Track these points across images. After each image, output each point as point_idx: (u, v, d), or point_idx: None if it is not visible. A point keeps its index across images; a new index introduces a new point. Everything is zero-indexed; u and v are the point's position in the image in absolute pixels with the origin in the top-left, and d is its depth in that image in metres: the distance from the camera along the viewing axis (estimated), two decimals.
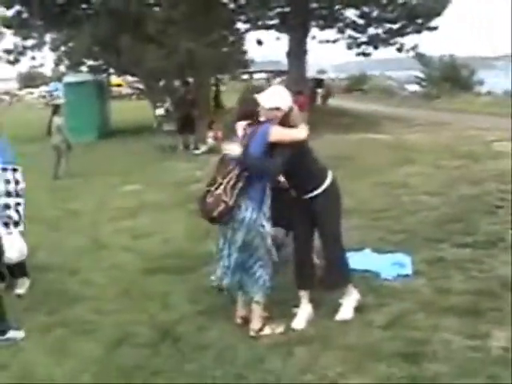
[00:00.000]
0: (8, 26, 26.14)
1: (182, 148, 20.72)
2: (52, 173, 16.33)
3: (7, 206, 6.37)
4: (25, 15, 25.62)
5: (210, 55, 18.91)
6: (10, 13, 25.69)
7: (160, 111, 22.66)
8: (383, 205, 9.85)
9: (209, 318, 6.13)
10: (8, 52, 26.30)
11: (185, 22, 18.46)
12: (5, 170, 6.46)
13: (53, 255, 8.69)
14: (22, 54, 26.42)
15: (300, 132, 5.57)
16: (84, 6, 25.00)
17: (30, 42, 26.39)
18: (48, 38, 27.15)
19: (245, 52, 32.38)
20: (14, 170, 6.59)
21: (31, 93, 77.44)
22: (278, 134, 5.43)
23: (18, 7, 25.25)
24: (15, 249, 6.81)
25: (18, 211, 6.46)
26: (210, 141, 20.39)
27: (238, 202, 5.37)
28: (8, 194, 6.40)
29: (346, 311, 5.95)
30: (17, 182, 6.53)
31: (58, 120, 16.70)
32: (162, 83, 23.50)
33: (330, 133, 19.59)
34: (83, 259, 8.47)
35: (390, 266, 7.03)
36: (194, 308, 6.42)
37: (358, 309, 6.02)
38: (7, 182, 6.43)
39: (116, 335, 5.92)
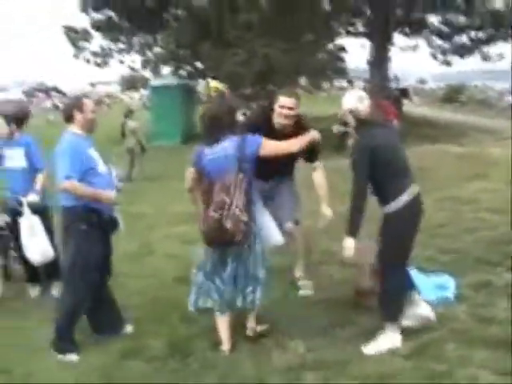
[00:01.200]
0: (97, 29, 26.58)
1: None
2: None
3: None
4: (114, 18, 26.01)
5: (287, 61, 18.56)
6: (99, 16, 26.05)
7: (241, 118, 22.49)
8: (442, 220, 9.29)
9: None
10: (95, 55, 26.74)
11: (264, 26, 18.21)
12: None
13: None
14: (109, 56, 26.77)
15: (291, 145, 5.65)
16: (171, 10, 25.10)
17: (117, 46, 26.71)
18: (136, 41, 27.49)
19: (339, 58, 31.60)
20: None
21: (131, 96, 79.00)
22: (269, 148, 5.38)
23: (106, 10, 25.63)
24: (38, 252, 6.91)
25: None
26: None
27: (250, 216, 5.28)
28: None
29: (374, 348, 5.39)
30: None
31: (132, 123, 16.85)
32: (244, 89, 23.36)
33: (413, 143, 18.94)
34: (127, 264, 8.33)
35: (432, 288, 6.52)
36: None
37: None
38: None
39: (127, 346, 5.79)
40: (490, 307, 6.05)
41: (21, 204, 7.02)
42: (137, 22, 25.65)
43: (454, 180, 12.21)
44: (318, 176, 6.54)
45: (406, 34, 26.36)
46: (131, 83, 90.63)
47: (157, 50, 26.24)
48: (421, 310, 5.66)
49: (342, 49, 28.03)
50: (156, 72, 27.87)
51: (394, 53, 24.28)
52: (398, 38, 27.63)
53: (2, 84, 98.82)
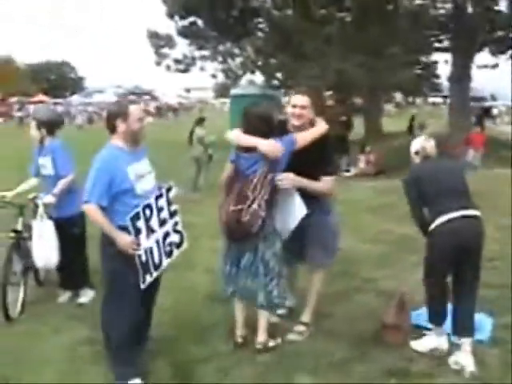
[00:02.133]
0: (184, 36, 26.73)
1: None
2: (191, 184, 16.27)
3: (167, 235, 5.38)
4: (199, 25, 26.12)
5: (360, 75, 18.13)
6: (184, 22, 26.20)
7: None
8: (497, 253, 8.65)
9: (237, 359, 5.56)
10: (178, 62, 26.91)
11: (342, 40, 17.87)
12: (159, 197, 5.31)
13: None
14: (191, 65, 26.91)
15: (319, 127, 5.68)
16: (255, 19, 25.04)
17: (198, 53, 26.84)
18: (221, 49, 27.53)
19: (434, 75, 30.70)
20: (168, 190, 5.43)
21: (224, 102, 79.71)
22: (302, 139, 5.51)
23: (192, 17, 25.75)
24: (41, 256, 6.88)
25: (177, 231, 5.52)
26: (362, 165, 19.78)
27: (270, 213, 5.41)
28: (163, 223, 5.33)
29: (422, 344, 5.70)
30: (169, 204, 5.43)
31: (200, 131, 16.70)
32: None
33: (489, 166, 18.23)
34: (165, 277, 8.07)
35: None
36: (229, 346, 5.84)
37: (404, 375, 5.18)
38: (160, 210, 5.29)
39: None
40: None
41: (37, 206, 6.96)
42: (222, 30, 25.67)
43: None
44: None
45: (491, 52, 25.35)
46: (225, 90, 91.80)
47: (238, 59, 26.20)
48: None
49: (435, 63, 27.37)
50: (236, 81, 27.83)
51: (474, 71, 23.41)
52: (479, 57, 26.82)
53: (101, 86, 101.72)
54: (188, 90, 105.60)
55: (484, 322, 6.13)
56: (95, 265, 7.62)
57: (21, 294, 7.08)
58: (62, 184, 6.92)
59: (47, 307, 7.10)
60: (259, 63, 24.63)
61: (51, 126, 7.13)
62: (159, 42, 26.42)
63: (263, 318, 5.69)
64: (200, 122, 17.18)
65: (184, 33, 26.37)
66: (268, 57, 23.50)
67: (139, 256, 4.95)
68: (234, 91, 28.17)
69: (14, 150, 21.73)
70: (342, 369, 5.33)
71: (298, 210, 5.61)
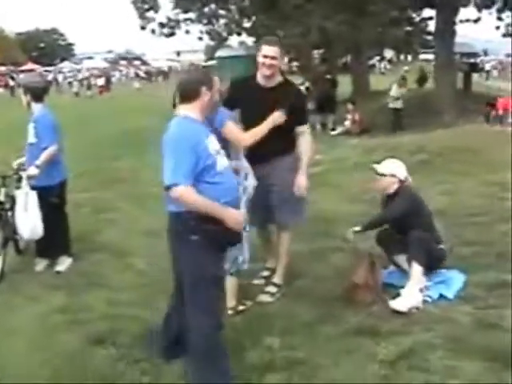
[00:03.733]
0: None
1: (320, 128, 20.14)
2: None
3: None
4: None
5: (343, 33, 17.95)
6: None
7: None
8: (478, 208, 8.64)
9: None
10: (162, 25, 26.62)
11: None
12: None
13: None
14: (176, 27, 26.61)
15: (246, 138, 5.41)
16: None
17: (183, 16, 26.54)
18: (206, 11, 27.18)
19: (424, 31, 30.16)
20: None
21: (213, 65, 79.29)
22: (229, 130, 5.24)
23: None
24: (27, 227, 6.86)
25: None
26: (347, 123, 19.72)
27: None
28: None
29: (402, 303, 5.65)
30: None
31: None
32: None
33: (472, 122, 18.13)
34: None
35: (436, 284, 6.03)
36: None
37: (372, 333, 5.16)
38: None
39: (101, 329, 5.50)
40: (496, 311, 5.46)
41: (20, 178, 6.99)
42: None
43: (505, 163, 11.36)
44: (305, 141, 6.07)
45: (477, 7, 25.00)
46: (215, 52, 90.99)
47: (223, 21, 25.90)
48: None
49: (427, 19, 27.05)
50: (222, 43, 27.56)
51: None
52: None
53: (91, 52, 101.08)
54: (178, 53, 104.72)
55: (455, 279, 6.12)
56: (76, 233, 7.76)
57: (0, 263, 7.09)
58: (44, 155, 6.87)
59: (25, 276, 7.08)
60: (244, 24, 24.43)
61: (36, 91, 7.08)
62: (143, 5, 26.12)
63: (230, 284, 5.60)
64: None
65: None
66: (251, 17, 23.30)
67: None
68: (218, 53, 28.01)
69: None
70: (310, 329, 5.31)
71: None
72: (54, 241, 7.24)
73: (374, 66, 51.91)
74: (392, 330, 5.20)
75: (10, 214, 7.24)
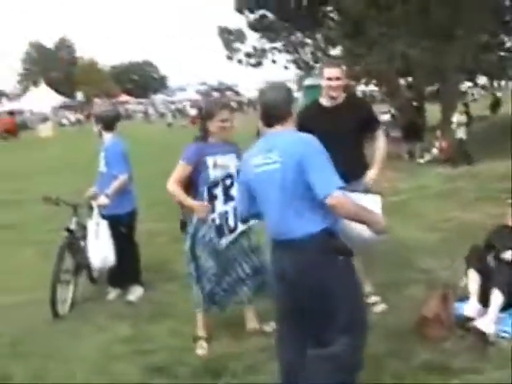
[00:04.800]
0: (254, 29, 26.60)
1: (407, 156, 19.79)
2: None
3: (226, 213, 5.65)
4: (269, 18, 25.94)
5: (426, 60, 17.60)
6: (254, 16, 26.06)
7: (386, 117, 21.87)
8: None
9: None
10: (249, 55, 26.83)
11: (404, 24, 17.41)
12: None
13: None
14: (263, 57, 26.79)
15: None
16: (323, 8, 24.71)
17: (268, 45, 26.67)
18: (292, 40, 27.26)
19: None
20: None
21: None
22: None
23: (262, 11, 25.60)
24: (98, 256, 6.94)
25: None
26: (435, 151, 19.28)
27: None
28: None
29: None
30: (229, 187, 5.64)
31: None
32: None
33: None
34: None
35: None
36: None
37: (443, 370, 4.88)
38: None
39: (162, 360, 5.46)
40: None
41: (91, 207, 7.06)
42: (292, 21, 25.44)
43: None
44: (379, 142, 6.17)
45: None
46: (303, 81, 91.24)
47: (309, 49, 25.94)
48: None
49: None
50: (309, 71, 27.60)
51: None
52: None
53: (184, 83, 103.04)
54: None
55: None
56: (146, 263, 7.78)
57: (70, 292, 7.16)
58: (115, 185, 6.96)
59: (95, 305, 7.13)
60: (330, 52, 24.40)
61: (107, 120, 7.21)
62: (229, 36, 26.45)
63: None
64: None
65: (254, 26, 26.28)
66: (336, 45, 23.25)
67: (213, 219, 5.51)
68: (306, 82, 27.98)
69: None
70: (377, 363, 5.03)
71: None
72: (125, 270, 7.28)
73: (465, 92, 50.75)
74: (464, 368, 4.90)
75: (82, 242, 7.31)
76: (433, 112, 23.94)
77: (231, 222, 5.66)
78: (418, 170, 16.29)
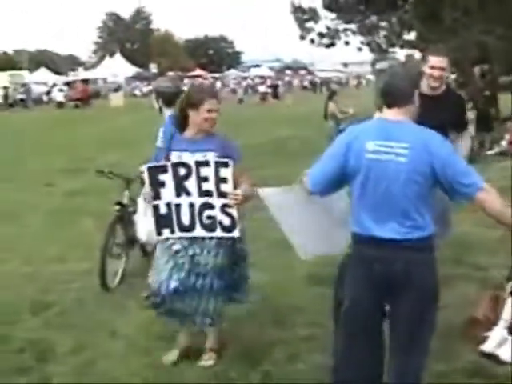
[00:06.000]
0: (329, 9, 26.27)
1: (477, 147, 19.31)
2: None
3: (209, 207, 5.00)
4: None
5: (502, 49, 17.11)
6: None
7: None
8: None
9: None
10: (321, 36, 26.51)
11: (480, 11, 16.94)
12: (201, 164, 4.98)
13: None
14: (336, 38, 26.43)
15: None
16: None
17: (342, 27, 26.31)
18: (367, 23, 26.84)
19: None
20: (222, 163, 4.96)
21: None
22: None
23: None
24: (144, 231, 6.83)
25: (229, 214, 4.95)
26: (504, 143, 18.75)
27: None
28: (208, 194, 4.99)
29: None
30: (223, 180, 4.93)
31: (332, 106, 16.44)
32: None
33: None
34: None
35: None
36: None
37: (487, 376, 4.80)
38: (204, 179, 4.96)
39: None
40: None
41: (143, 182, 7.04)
42: (367, 2, 25.04)
43: None
44: (464, 142, 5.95)
45: None
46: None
47: (383, 32, 25.46)
48: None
49: None
50: (382, 54, 27.16)
51: None
52: None
53: (259, 60, 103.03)
54: (345, 65, 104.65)
55: None
56: None
57: (122, 265, 7.26)
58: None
59: (145, 280, 7.16)
60: (405, 37, 23.93)
61: (167, 96, 7.12)
62: (303, 16, 26.19)
63: None
64: (331, 96, 16.95)
65: (329, 6, 25.95)
66: (411, 29, 22.78)
67: (155, 206, 5.10)
68: (379, 65, 27.57)
69: None
70: None
71: None
72: None
73: None
74: (507, 376, 4.78)
75: (134, 217, 7.30)
76: (507, 102, 23.42)
77: (185, 220, 5.04)
78: (485, 161, 15.83)
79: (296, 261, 7.49)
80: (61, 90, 53.82)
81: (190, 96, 5.14)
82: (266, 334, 5.70)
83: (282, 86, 65.93)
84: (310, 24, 26.56)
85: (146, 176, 5.10)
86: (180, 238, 5.07)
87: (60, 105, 49.40)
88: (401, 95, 3.83)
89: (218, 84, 66.12)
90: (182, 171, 4.99)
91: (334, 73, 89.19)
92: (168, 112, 7.16)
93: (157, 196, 5.07)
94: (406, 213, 3.74)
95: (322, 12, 26.33)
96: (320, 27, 26.61)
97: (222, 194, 4.93)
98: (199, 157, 5.01)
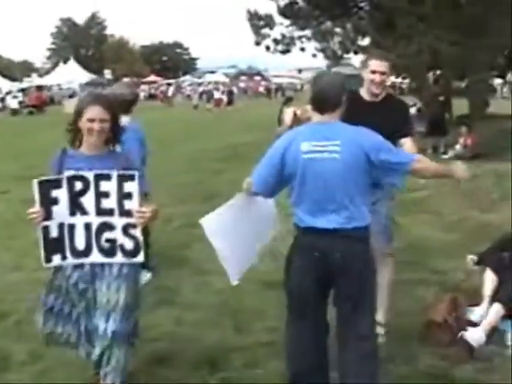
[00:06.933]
0: (284, 16, 26.34)
1: (431, 151, 19.52)
2: None
3: (109, 227, 4.28)
4: (300, 4, 25.70)
5: (455, 55, 17.34)
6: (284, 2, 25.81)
7: (412, 110, 21.57)
8: None
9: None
10: (276, 42, 26.61)
11: (435, 18, 17.15)
12: (102, 177, 4.25)
13: None
14: (290, 44, 26.54)
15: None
16: None
17: (297, 33, 26.45)
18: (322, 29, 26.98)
19: None
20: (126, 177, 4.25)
21: None
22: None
23: None
24: None
25: (132, 236, 4.28)
26: (458, 147, 19.00)
27: None
28: (108, 212, 4.28)
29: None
30: (127, 196, 4.25)
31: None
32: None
33: None
34: None
35: None
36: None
37: (445, 378, 4.80)
38: (105, 195, 4.26)
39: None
40: None
41: None
42: (323, 9, 25.16)
43: None
44: (407, 148, 5.29)
45: None
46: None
47: (338, 39, 25.63)
48: None
49: None
50: (337, 60, 27.29)
51: None
52: None
53: (215, 66, 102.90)
54: (300, 71, 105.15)
55: None
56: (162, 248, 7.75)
57: None
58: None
59: None
60: (360, 43, 24.12)
61: (123, 104, 6.96)
62: (259, 22, 26.20)
63: None
64: (287, 101, 17.01)
65: (284, 13, 26.02)
66: (365, 36, 22.98)
67: (45, 228, 4.27)
68: (333, 71, 27.73)
69: None
70: (381, 368, 4.95)
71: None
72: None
73: (495, 89, 50.19)
74: (468, 377, 4.81)
75: None
76: (460, 107, 23.75)
77: (80, 244, 4.30)
78: None
79: (254, 266, 7.57)
80: (15, 97, 53.11)
81: (77, 104, 4.39)
82: (225, 339, 5.63)
83: (237, 91, 66.00)
84: (265, 30, 26.64)
85: (35, 192, 4.22)
86: (74, 266, 4.31)
87: (14, 112, 48.67)
88: (331, 103, 4.14)
89: (171, 90, 65.89)
90: (79, 185, 4.23)
91: (289, 79, 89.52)
92: (124, 119, 7.07)
93: (48, 215, 4.24)
94: (342, 205, 4.05)
95: (278, 18, 26.38)
96: (275, 33, 26.73)
97: (125, 213, 4.24)
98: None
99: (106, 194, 4.22)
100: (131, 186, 4.20)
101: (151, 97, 66.63)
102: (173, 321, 6.07)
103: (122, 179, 4.20)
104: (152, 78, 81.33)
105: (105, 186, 4.21)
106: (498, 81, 51.07)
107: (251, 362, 5.19)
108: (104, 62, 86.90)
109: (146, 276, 7.23)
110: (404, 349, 5.24)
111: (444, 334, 5.32)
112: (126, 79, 69.64)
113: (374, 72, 5.29)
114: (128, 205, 4.22)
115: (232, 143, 21.46)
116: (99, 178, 4.21)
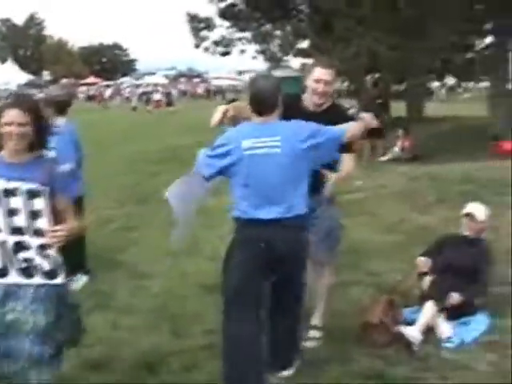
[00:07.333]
0: (224, 17, 26.38)
1: (369, 153, 19.67)
2: None
3: (25, 248, 3.87)
4: (239, 7, 25.78)
5: (393, 58, 17.56)
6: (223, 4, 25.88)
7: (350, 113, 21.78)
8: None
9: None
10: (216, 44, 26.64)
11: (373, 21, 17.34)
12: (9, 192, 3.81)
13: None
14: (230, 46, 26.62)
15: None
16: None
17: (237, 35, 26.53)
18: (262, 31, 27.08)
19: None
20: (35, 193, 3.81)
21: None
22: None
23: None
24: None
25: (49, 257, 3.91)
26: (396, 149, 19.22)
27: None
28: (19, 232, 3.85)
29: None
30: (36, 214, 3.83)
31: None
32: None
33: None
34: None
35: (459, 326, 5.64)
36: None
37: (382, 378, 4.81)
38: (12, 212, 3.82)
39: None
40: None
41: None
42: (263, 11, 25.26)
43: None
44: (347, 158, 5.10)
45: None
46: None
47: (277, 41, 25.84)
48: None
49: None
50: (277, 63, 27.49)
51: None
52: None
53: (154, 68, 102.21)
54: (240, 73, 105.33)
55: (478, 322, 5.73)
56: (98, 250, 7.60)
57: None
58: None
59: None
60: (299, 45, 24.33)
61: (58, 105, 6.99)
62: (199, 24, 26.17)
63: None
64: (230, 103, 16.94)
65: (224, 15, 26.04)
66: (305, 38, 23.19)
67: None
68: (274, 74, 27.86)
69: None
70: (315, 368, 4.96)
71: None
72: (69, 258, 7.04)
73: (432, 92, 51.15)
74: (404, 376, 4.84)
75: None
76: (398, 110, 24.04)
77: None
78: (377, 168, 16.16)
79: (191, 269, 7.52)
80: None
81: None
82: (163, 343, 5.55)
83: (176, 93, 65.70)
84: (204, 33, 26.64)
85: None
86: None
87: None
88: (268, 105, 4.41)
89: (109, 91, 65.29)
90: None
91: (229, 81, 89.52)
92: (59, 121, 6.93)
93: None
94: (283, 196, 4.32)
95: (218, 20, 26.42)
96: (215, 35, 26.76)
97: (37, 232, 3.84)
98: (13, 184, 3.79)
99: (15, 212, 3.81)
100: (39, 203, 3.79)
101: (90, 98, 65.75)
102: (109, 325, 5.95)
103: (30, 195, 3.79)
104: (91, 79, 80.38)
105: (13, 202, 3.80)
106: (435, 84, 52.12)
107: (189, 365, 5.13)
108: (43, 63, 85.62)
109: (82, 278, 7.15)
110: (340, 350, 5.24)
111: (380, 335, 5.33)
112: (64, 80, 68.80)
113: (318, 81, 5.05)
114: (39, 224, 3.82)
115: (171, 145, 21.31)
116: (7, 193, 3.79)
